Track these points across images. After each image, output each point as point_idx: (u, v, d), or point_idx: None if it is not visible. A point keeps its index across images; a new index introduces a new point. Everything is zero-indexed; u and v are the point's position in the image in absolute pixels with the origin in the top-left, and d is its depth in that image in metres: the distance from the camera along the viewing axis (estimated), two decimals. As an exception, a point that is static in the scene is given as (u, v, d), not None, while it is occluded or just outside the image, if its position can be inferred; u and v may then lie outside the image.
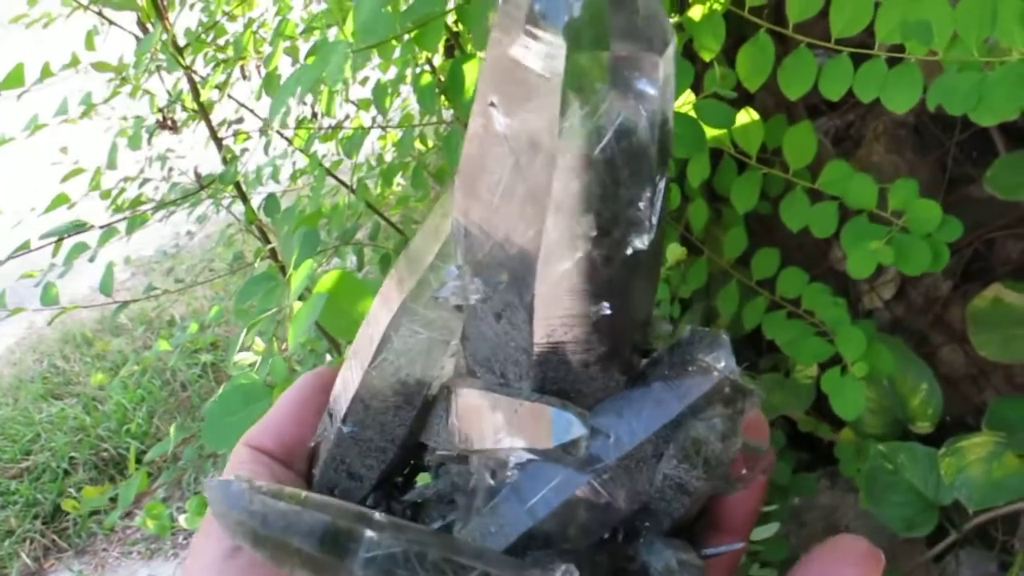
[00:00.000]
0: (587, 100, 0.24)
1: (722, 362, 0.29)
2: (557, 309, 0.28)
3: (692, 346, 0.29)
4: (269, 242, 1.08)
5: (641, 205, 0.26)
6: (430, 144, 1.33)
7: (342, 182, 1.24)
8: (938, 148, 1.25)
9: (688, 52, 0.90)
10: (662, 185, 0.27)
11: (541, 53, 0.24)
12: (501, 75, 0.26)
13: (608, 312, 0.28)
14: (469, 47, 0.88)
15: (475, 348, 0.31)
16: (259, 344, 0.80)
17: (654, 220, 0.27)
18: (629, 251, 0.27)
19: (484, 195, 0.27)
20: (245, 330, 0.75)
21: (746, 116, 0.90)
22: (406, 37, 0.75)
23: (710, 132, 0.86)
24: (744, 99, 0.90)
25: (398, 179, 1.49)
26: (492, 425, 0.30)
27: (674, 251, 0.73)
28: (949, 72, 0.66)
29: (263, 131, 1.14)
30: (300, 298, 0.92)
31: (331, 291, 0.61)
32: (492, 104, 0.26)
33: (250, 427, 0.38)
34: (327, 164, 1.33)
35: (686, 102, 0.84)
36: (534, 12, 0.24)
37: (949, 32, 0.64)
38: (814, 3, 0.72)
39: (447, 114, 1.32)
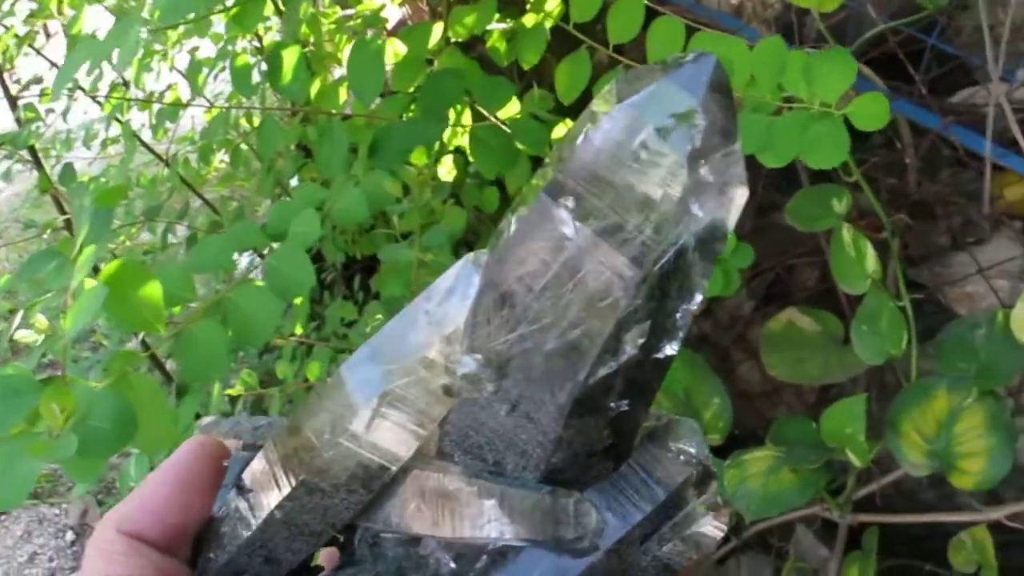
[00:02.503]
0: (652, 218, 0.26)
1: (694, 448, 0.31)
2: (585, 407, 0.28)
3: (669, 433, 0.31)
4: (65, 213, 1.02)
5: (678, 316, 0.28)
6: (256, 123, 1.29)
7: (156, 154, 1.18)
8: (749, 175, 1.31)
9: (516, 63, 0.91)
10: (699, 297, 0.28)
11: (656, 176, 0.25)
12: (587, 183, 0.26)
13: (625, 408, 0.29)
14: (284, 32, 0.86)
15: (462, 434, 0.29)
16: (42, 322, 0.75)
17: (686, 329, 0.28)
18: (661, 356, 0.28)
19: (514, 283, 0.27)
20: (23, 309, 0.71)
21: (564, 128, 0.92)
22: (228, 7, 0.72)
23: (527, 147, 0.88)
24: (565, 110, 0.92)
25: (223, 156, 1.44)
26: (475, 511, 0.29)
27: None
28: (743, 112, 0.70)
29: (69, 95, 1.08)
30: (95, 273, 0.88)
31: (115, 279, 0.57)
32: (566, 207, 0.26)
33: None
34: (149, 134, 1.27)
35: (506, 117, 0.85)
36: (651, 136, 0.25)
37: (747, 73, 0.68)
38: (630, 28, 0.74)
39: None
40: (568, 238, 0.26)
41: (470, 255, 0.28)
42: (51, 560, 1.93)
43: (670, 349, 0.28)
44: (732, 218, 0.28)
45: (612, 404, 0.29)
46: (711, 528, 0.30)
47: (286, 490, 0.29)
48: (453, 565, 0.30)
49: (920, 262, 1.20)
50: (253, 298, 0.63)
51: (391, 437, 0.28)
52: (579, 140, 0.26)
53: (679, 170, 0.25)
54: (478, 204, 1.11)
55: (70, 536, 1.98)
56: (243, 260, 1.71)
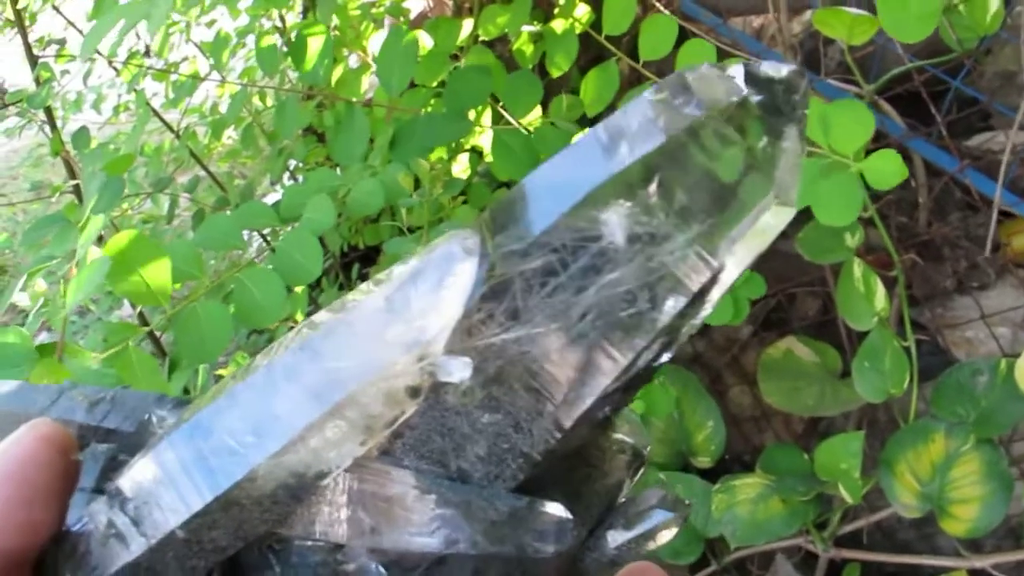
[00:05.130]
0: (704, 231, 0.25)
1: (633, 439, 0.29)
2: (584, 419, 0.26)
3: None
4: (75, 176, 1.01)
5: (684, 331, 0.26)
6: (269, 103, 1.28)
7: (168, 125, 1.17)
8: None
9: (543, 68, 0.90)
10: (709, 311, 0.27)
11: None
12: (652, 187, 0.25)
13: (608, 414, 0.27)
14: (318, 15, 0.85)
15: (422, 438, 0.26)
16: (41, 287, 0.74)
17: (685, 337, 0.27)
18: (657, 363, 0.27)
19: (516, 277, 0.25)
20: (26, 274, 0.70)
21: (586, 138, 0.91)
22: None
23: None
24: (587, 120, 0.91)
25: (229, 132, 1.42)
26: (422, 518, 0.26)
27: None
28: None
29: (89, 58, 1.06)
30: (99, 242, 0.86)
31: (124, 251, 0.56)
32: (619, 210, 0.24)
33: None
34: (159, 104, 1.25)
35: (529, 123, 0.84)
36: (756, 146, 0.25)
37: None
38: (663, 46, 0.74)
39: (293, 75, 1.27)
40: (607, 240, 0.24)
41: (454, 239, 0.25)
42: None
43: (666, 356, 0.27)
44: (769, 239, 0.26)
45: (602, 413, 0.27)
46: (669, 527, 0.28)
47: (195, 505, 0.24)
48: (384, 572, 0.26)
49: (923, 302, 1.20)
50: (261, 280, 0.62)
51: (334, 443, 0.24)
52: (639, 134, 0.24)
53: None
54: (487, 204, 1.11)
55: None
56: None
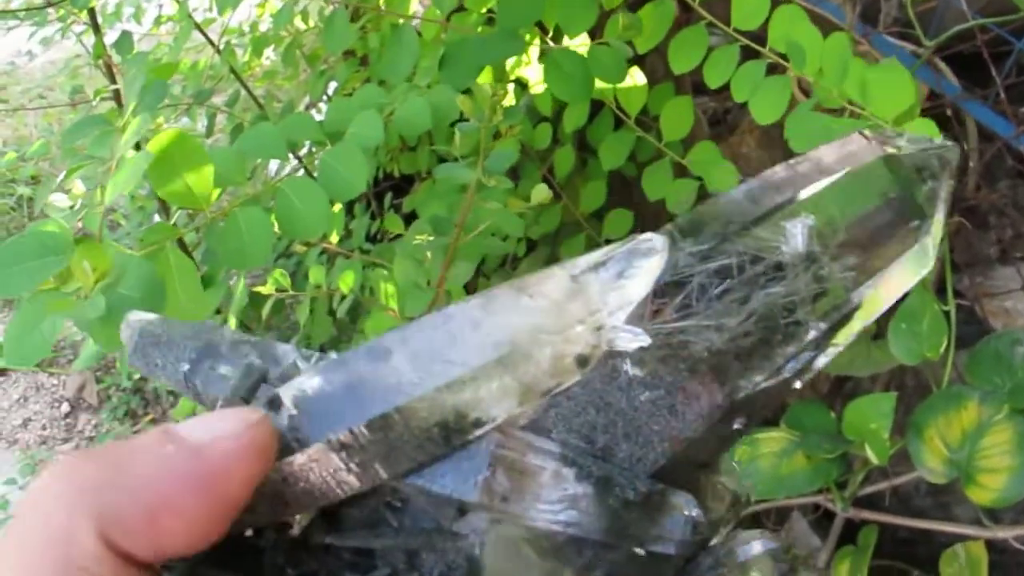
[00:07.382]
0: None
1: (732, 485, 0.30)
2: (727, 418, 0.28)
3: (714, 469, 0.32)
4: (115, 82, 1.00)
5: (823, 357, 0.28)
6: (311, 23, 1.26)
7: (209, 40, 1.15)
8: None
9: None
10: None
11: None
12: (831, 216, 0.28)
13: (739, 429, 0.28)
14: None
15: (577, 409, 0.27)
16: (79, 188, 0.73)
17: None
18: (792, 385, 0.28)
19: (699, 274, 0.27)
20: (66, 171, 0.69)
21: (632, 77, 0.89)
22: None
23: (598, 83, 0.85)
24: (635, 59, 0.89)
25: (268, 52, 1.41)
26: (555, 494, 0.26)
27: (539, 192, 0.72)
28: (803, 108, 0.68)
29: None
30: (137, 148, 0.86)
31: (165, 151, 0.55)
32: (804, 223, 0.27)
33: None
34: (198, 19, 1.24)
35: (581, 44, 0.82)
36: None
37: (818, 64, 0.66)
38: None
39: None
40: (785, 250, 0.27)
41: (642, 239, 0.26)
42: (44, 428, 1.94)
43: (799, 383, 0.28)
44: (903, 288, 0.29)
45: (736, 422, 0.28)
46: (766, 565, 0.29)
47: (355, 422, 0.25)
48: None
49: (963, 269, 1.18)
50: (303, 191, 0.61)
51: (496, 395, 0.25)
52: (831, 164, 0.28)
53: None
54: (528, 140, 1.09)
55: (65, 408, 1.99)
56: (272, 165, 1.69)
